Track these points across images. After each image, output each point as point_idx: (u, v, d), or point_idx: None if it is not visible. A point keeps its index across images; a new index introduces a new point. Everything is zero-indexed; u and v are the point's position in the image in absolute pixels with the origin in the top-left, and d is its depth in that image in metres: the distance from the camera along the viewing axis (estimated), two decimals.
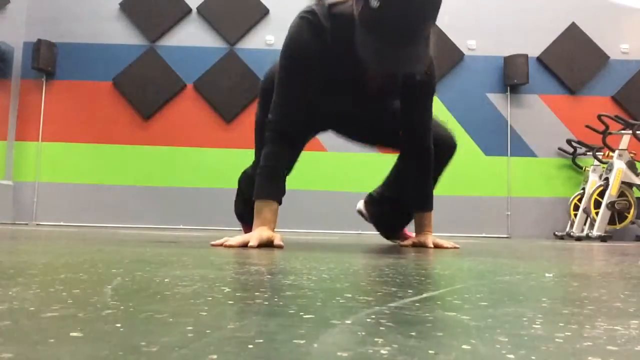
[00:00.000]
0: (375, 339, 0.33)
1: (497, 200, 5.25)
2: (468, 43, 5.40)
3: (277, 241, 1.41)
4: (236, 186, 2.12)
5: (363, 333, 0.36)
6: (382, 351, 0.30)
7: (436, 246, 1.74)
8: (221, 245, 1.41)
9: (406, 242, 1.84)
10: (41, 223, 5.10)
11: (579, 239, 4.45)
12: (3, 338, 0.31)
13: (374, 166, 4.86)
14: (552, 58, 5.36)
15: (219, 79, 5.31)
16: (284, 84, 1.45)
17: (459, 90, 5.33)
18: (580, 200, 4.86)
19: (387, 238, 2.14)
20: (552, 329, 0.39)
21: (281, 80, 1.46)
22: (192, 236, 2.40)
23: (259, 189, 1.47)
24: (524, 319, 0.43)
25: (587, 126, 4.72)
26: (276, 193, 1.47)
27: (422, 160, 1.75)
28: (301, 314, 0.42)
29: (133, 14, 5.43)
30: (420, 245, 1.76)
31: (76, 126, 5.32)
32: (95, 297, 0.48)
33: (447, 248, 1.73)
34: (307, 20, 1.41)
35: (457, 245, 1.78)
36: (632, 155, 4.56)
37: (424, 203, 1.82)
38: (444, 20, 5.37)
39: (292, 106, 1.47)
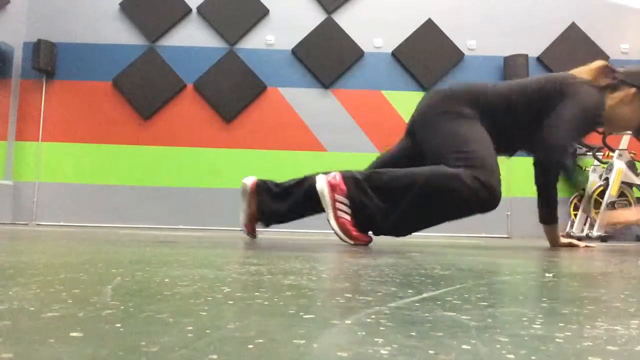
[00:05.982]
0: (375, 339, 0.33)
1: None
2: (468, 43, 5.40)
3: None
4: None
5: (363, 333, 0.36)
6: (382, 351, 0.30)
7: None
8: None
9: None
10: (41, 223, 5.10)
11: (579, 239, 4.44)
12: (3, 338, 0.31)
13: None
14: (552, 58, 5.36)
15: (219, 79, 5.31)
16: (582, 125, 2.05)
17: None
18: (580, 200, 4.86)
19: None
20: (552, 329, 0.39)
21: (581, 123, 2.03)
22: (192, 236, 2.40)
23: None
24: (524, 319, 0.43)
25: None
26: None
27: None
28: (301, 314, 0.42)
29: (133, 14, 5.43)
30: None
31: (76, 126, 5.32)
32: (95, 297, 0.48)
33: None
34: (602, 95, 2.04)
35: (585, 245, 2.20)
36: (632, 155, 4.56)
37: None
38: (444, 20, 5.40)
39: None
